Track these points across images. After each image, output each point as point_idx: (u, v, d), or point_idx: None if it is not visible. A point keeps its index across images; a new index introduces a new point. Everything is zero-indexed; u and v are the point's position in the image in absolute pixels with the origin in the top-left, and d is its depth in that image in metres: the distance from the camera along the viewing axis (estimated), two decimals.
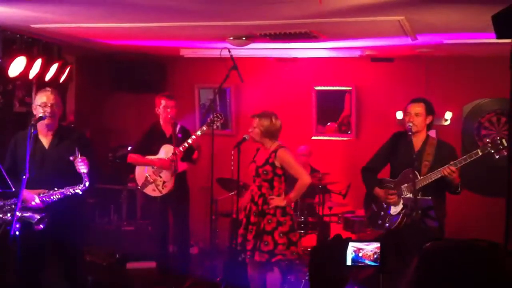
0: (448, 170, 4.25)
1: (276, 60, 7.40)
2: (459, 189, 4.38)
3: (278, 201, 4.83)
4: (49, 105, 4.29)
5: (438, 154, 4.50)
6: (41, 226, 4.08)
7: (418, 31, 5.18)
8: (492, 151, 4.20)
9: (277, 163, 4.84)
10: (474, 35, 5.27)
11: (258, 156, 4.99)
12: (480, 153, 4.21)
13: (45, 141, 4.39)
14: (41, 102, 4.31)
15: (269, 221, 4.83)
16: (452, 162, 4.27)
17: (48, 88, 4.47)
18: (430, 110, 4.57)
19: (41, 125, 4.31)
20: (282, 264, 4.95)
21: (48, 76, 6.07)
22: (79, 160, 4.13)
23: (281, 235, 4.81)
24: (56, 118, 4.39)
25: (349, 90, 7.30)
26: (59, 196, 4.20)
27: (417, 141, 4.57)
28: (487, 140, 4.29)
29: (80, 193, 4.19)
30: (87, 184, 4.16)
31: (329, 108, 7.50)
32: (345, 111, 7.40)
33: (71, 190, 4.19)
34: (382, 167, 4.85)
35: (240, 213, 5.04)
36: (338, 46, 6.39)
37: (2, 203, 4.20)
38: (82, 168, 4.13)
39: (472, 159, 4.23)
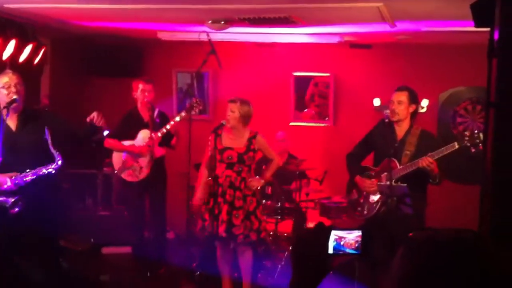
0: (425, 161, 4.23)
1: (255, 45, 7.36)
2: (437, 180, 4.35)
3: (257, 182, 5.04)
4: (13, 85, 4.21)
5: (420, 144, 4.47)
6: (16, 209, 4.03)
7: (397, 18, 5.19)
8: (469, 145, 4.18)
9: (256, 148, 5.00)
10: (452, 23, 5.30)
11: (230, 143, 4.96)
12: (456, 146, 4.20)
13: (12, 123, 4.30)
14: (3, 83, 4.21)
15: (250, 201, 4.99)
16: (429, 154, 4.25)
17: (8, 70, 4.40)
18: (413, 99, 4.55)
19: (15, 108, 4.23)
20: (263, 243, 5.21)
21: (22, 58, 5.94)
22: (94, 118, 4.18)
23: (261, 212, 5.10)
24: (22, 99, 4.30)
25: (323, 76, 7.31)
26: (32, 177, 4.13)
27: (401, 130, 4.56)
28: (466, 133, 4.29)
29: (53, 172, 4.12)
30: (59, 162, 4.10)
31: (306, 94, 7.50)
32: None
33: (44, 170, 4.13)
34: (366, 154, 4.86)
35: (204, 199, 5.05)
36: (317, 32, 6.38)
37: None
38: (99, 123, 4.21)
39: (449, 151, 4.22)
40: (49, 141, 4.11)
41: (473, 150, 4.19)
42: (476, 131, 4.21)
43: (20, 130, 4.30)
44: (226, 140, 4.98)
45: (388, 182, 4.35)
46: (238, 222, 4.90)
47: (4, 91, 4.19)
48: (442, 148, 4.25)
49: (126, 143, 5.67)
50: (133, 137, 5.69)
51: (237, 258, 5.13)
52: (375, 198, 4.59)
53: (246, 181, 4.98)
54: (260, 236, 5.04)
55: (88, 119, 4.30)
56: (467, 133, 4.27)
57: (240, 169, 4.97)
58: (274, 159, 5.18)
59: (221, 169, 4.97)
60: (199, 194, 5.09)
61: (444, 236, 1.11)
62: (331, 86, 7.31)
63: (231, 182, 4.95)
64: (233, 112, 4.94)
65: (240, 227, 4.90)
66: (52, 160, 4.11)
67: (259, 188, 5.12)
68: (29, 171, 4.13)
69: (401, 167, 4.42)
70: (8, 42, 5.70)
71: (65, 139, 4.44)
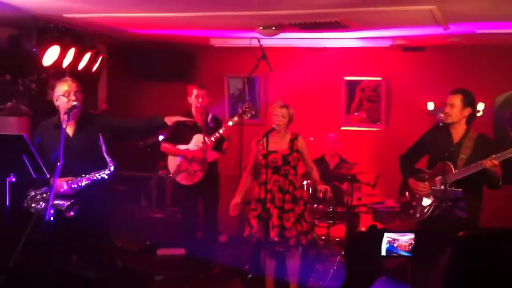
0: (490, 162, 4.13)
1: (305, 50, 7.38)
2: (500, 183, 4.25)
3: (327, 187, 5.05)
4: (72, 93, 4.34)
5: (477, 149, 4.38)
6: (72, 213, 4.15)
7: (450, 20, 5.11)
8: None
9: (299, 149, 5.04)
10: (507, 25, 5.19)
11: (273, 146, 4.95)
12: None
13: (69, 129, 4.43)
14: (63, 91, 4.34)
15: (299, 204, 5.04)
16: (494, 156, 4.14)
17: (67, 78, 4.53)
18: (468, 102, 4.45)
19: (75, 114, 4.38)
20: (313, 246, 5.29)
21: (81, 65, 6.16)
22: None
23: (308, 214, 5.14)
24: (80, 106, 4.43)
25: (370, 80, 7.28)
26: (87, 182, 4.25)
27: (456, 133, 4.49)
28: None
29: (106, 177, 4.24)
30: (111, 168, 4.21)
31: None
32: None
33: (97, 175, 4.24)
34: (420, 156, 4.79)
35: (251, 206, 5.09)
36: (369, 36, 6.34)
37: (33, 193, 4.30)
38: None
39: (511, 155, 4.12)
40: (103, 147, 4.21)
41: None
42: None
43: (76, 136, 4.44)
44: (269, 144, 4.93)
45: (442, 186, 4.29)
46: (289, 225, 4.92)
47: (64, 99, 4.33)
48: (507, 151, 4.13)
49: (181, 147, 5.80)
50: (187, 141, 5.80)
51: (284, 261, 5.15)
52: (428, 201, 4.53)
53: (294, 184, 5.00)
54: (308, 238, 5.06)
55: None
56: None
57: (287, 171, 4.98)
58: (313, 170, 5.16)
59: (268, 174, 4.95)
60: (237, 199, 5.10)
61: (490, 234, 1.12)
62: (382, 89, 7.25)
63: (279, 186, 4.97)
64: (285, 117, 4.98)
65: (291, 230, 4.92)
66: (105, 165, 4.22)
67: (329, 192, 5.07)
68: (84, 176, 4.27)
69: (457, 171, 4.34)
70: (68, 51, 5.91)
71: (128, 132, 4.63)
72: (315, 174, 5.18)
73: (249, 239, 5.08)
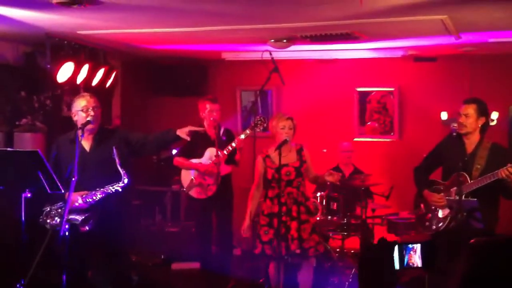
0: (506, 172, 4.08)
1: (317, 62, 7.40)
2: None
3: (336, 176, 4.96)
4: (90, 108, 4.37)
5: (491, 158, 4.34)
6: (87, 228, 4.16)
7: (462, 30, 5.10)
8: None
9: (306, 160, 5.02)
10: None
11: (283, 159, 4.83)
12: None
13: (86, 144, 4.46)
14: (82, 106, 4.37)
15: (313, 214, 5.12)
16: (510, 165, 4.09)
17: (85, 93, 4.56)
18: (482, 112, 4.41)
19: (91, 129, 4.41)
20: (328, 258, 5.30)
21: (95, 81, 6.22)
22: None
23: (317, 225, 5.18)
24: (98, 121, 4.47)
25: (378, 92, 7.29)
26: (101, 195, 4.25)
27: (470, 144, 4.46)
28: None
29: (120, 190, 4.23)
30: (125, 181, 4.21)
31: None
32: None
33: (111, 188, 4.24)
34: (434, 167, 4.75)
35: (260, 222, 5.05)
36: (380, 47, 6.35)
37: (49, 209, 4.31)
38: None
39: None
40: (117, 161, 4.21)
41: None
42: None
43: (93, 151, 4.45)
44: (278, 158, 4.82)
45: (457, 197, 4.24)
46: (306, 236, 4.89)
47: (83, 114, 4.36)
48: None
49: (194, 161, 5.81)
50: (200, 155, 5.81)
51: (294, 273, 5.10)
52: (443, 213, 4.49)
53: (305, 195, 5.02)
54: (320, 250, 5.01)
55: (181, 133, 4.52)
56: None
57: (299, 183, 4.97)
58: (318, 175, 5.10)
59: (281, 187, 4.88)
60: (248, 221, 5.02)
61: (502, 239, 1.12)
62: (395, 100, 7.24)
63: (294, 198, 4.94)
64: (291, 128, 4.95)
65: (309, 241, 4.89)
66: (119, 178, 4.23)
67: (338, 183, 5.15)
68: (98, 190, 4.27)
69: (472, 181, 4.29)
70: (82, 67, 5.97)
71: (143, 147, 4.62)
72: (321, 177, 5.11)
73: (261, 256, 5.03)
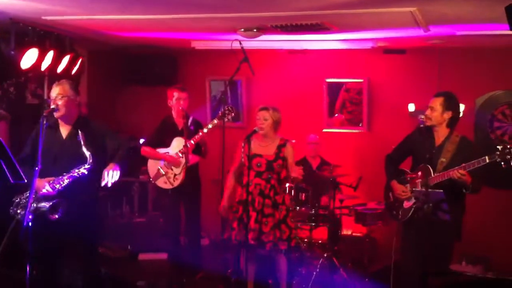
0: (457, 173, 4.16)
1: (287, 52, 7.37)
2: (469, 190, 4.25)
3: (299, 171, 4.93)
4: (59, 97, 4.36)
5: (457, 153, 4.38)
6: (56, 216, 4.07)
7: (431, 22, 5.14)
8: (499, 160, 4.03)
9: (285, 156, 5.00)
10: (487, 27, 5.22)
11: (260, 150, 4.97)
12: (487, 161, 4.07)
13: (64, 132, 4.46)
14: (54, 94, 4.39)
15: (281, 210, 5.00)
16: (462, 165, 4.17)
17: (61, 81, 4.52)
18: (449, 105, 4.45)
19: (60, 117, 4.41)
20: (295, 250, 5.20)
21: (59, 68, 6.08)
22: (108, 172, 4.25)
23: (291, 220, 5.08)
24: (70, 109, 4.42)
25: (355, 82, 7.29)
26: (68, 180, 4.19)
27: (439, 137, 4.49)
28: (498, 147, 4.08)
29: (86, 173, 4.18)
30: (90, 162, 4.15)
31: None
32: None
33: (77, 171, 4.18)
34: (403, 158, 4.79)
35: (232, 208, 5.09)
36: (350, 38, 6.35)
37: (18, 199, 4.22)
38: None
39: (480, 165, 4.10)
40: (82, 142, 4.16)
41: (504, 166, 4.04)
42: (508, 147, 4.05)
43: (69, 139, 4.41)
44: (256, 147, 4.98)
45: (423, 188, 4.28)
46: (267, 230, 4.91)
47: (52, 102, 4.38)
48: (474, 161, 4.12)
49: (161, 150, 5.75)
50: (168, 144, 5.76)
51: (265, 264, 5.14)
52: (406, 203, 4.54)
53: (276, 189, 4.99)
54: (291, 244, 5.03)
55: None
56: (498, 147, 4.11)
57: (269, 176, 4.98)
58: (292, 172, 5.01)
59: (251, 176, 4.94)
60: (225, 202, 5.13)
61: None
62: (364, 92, 7.27)
63: (260, 190, 4.97)
64: (267, 119, 4.98)
65: (269, 235, 4.91)
66: (84, 161, 4.18)
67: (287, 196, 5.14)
68: (65, 174, 4.21)
69: (435, 174, 4.34)
70: (47, 53, 5.84)
71: (109, 152, 4.54)
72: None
73: (228, 240, 5.05)
